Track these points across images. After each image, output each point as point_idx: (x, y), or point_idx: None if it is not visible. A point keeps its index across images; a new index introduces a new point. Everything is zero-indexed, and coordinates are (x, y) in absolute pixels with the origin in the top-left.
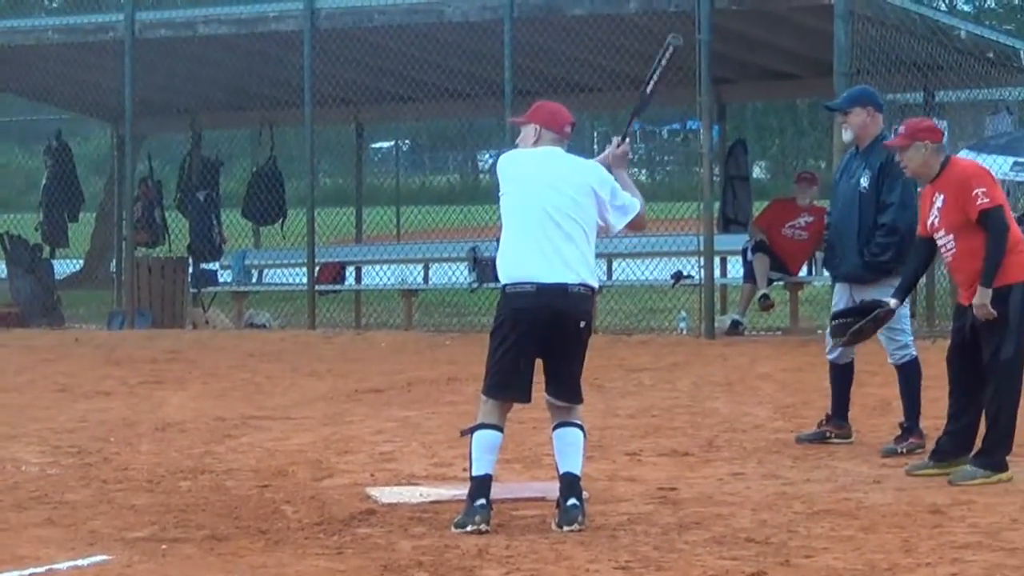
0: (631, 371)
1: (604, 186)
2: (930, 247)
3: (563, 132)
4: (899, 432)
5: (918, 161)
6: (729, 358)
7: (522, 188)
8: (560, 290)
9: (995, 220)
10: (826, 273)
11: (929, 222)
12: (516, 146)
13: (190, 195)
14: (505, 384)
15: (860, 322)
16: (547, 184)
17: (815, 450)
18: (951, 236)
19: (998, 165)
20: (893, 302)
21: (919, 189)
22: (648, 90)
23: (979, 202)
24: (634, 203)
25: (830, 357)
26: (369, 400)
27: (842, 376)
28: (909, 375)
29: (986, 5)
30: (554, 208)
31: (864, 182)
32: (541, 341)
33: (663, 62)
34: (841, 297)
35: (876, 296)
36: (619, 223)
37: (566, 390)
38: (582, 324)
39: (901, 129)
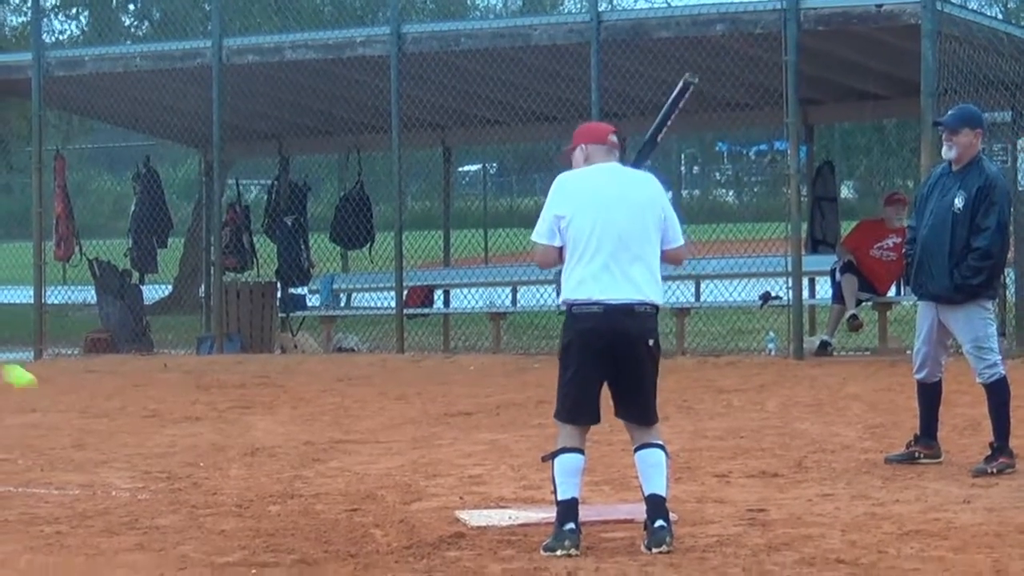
0: (720, 392)
1: (670, 209)
2: None
3: (609, 141)
4: (989, 452)
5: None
6: (818, 379)
7: (586, 208)
8: (626, 310)
9: None
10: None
11: None
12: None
13: (278, 220)
14: (577, 407)
15: None
16: (613, 202)
17: (904, 470)
18: None
19: None
20: None
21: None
22: (660, 135)
23: None
24: (681, 232)
25: (918, 377)
26: (458, 423)
27: (930, 396)
28: (998, 394)
29: None
30: (622, 227)
31: (959, 203)
32: (609, 362)
33: (679, 104)
34: (926, 317)
35: (962, 317)
36: (672, 245)
37: (638, 410)
38: (650, 343)
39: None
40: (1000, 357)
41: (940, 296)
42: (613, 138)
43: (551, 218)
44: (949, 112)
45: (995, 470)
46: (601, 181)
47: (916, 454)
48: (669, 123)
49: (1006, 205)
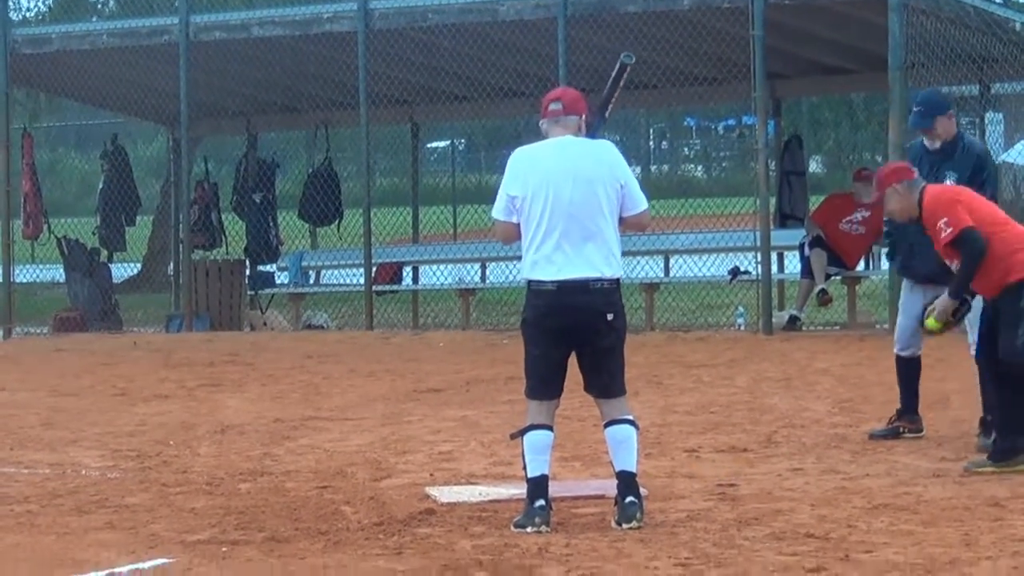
0: (689, 367)
1: (627, 176)
2: None
3: (549, 113)
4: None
5: (897, 205)
6: (787, 354)
7: (537, 186)
8: (581, 287)
9: (962, 245)
10: (884, 267)
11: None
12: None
13: (246, 197)
14: (541, 383)
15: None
16: (562, 179)
17: (874, 445)
18: (954, 263)
19: None
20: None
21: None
22: (606, 112)
23: (943, 235)
24: (643, 197)
25: (903, 353)
26: (427, 400)
27: (909, 370)
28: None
29: None
30: (573, 204)
31: (951, 182)
32: (567, 338)
33: (619, 83)
34: (916, 299)
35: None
36: (633, 212)
37: (601, 383)
38: (610, 317)
39: (874, 183)
40: None
41: (937, 279)
42: (554, 106)
43: (506, 196)
44: (913, 111)
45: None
46: (551, 157)
47: (900, 429)
48: (613, 102)
49: (994, 176)
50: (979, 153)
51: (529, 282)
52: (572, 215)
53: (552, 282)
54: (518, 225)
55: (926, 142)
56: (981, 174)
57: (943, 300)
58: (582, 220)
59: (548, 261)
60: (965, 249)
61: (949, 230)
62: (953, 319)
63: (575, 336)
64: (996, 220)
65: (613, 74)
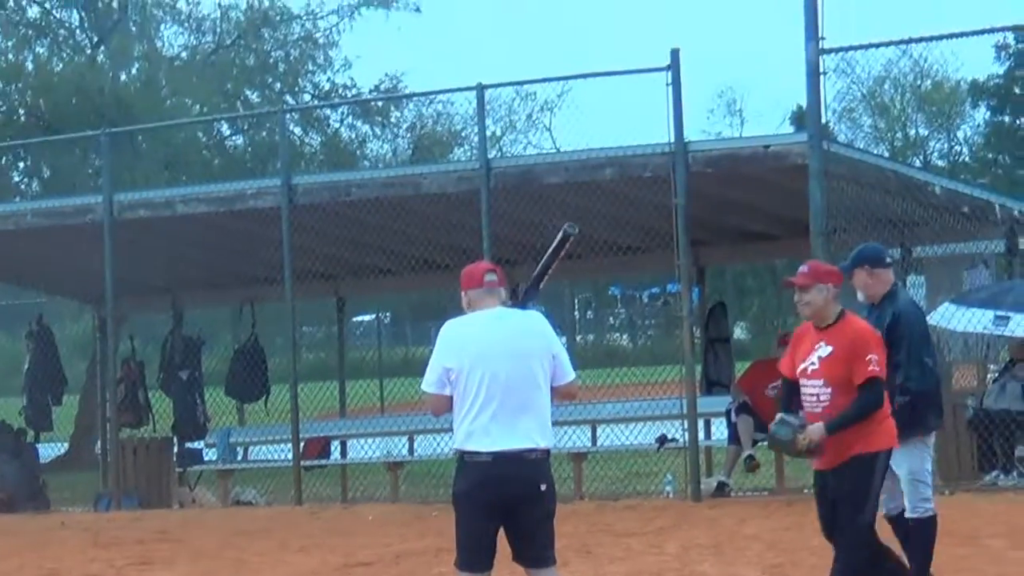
0: (619, 536)
1: (558, 347)
2: (794, 390)
3: (486, 283)
4: None
5: (819, 303)
6: (716, 520)
7: (473, 360)
8: (515, 457)
9: (875, 390)
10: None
11: (803, 367)
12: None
13: (173, 375)
14: (474, 554)
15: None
16: (498, 353)
17: None
18: (829, 389)
19: (977, 319)
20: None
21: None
22: (542, 282)
23: (870, 368)
24: (571, 368)
25: (884, 512)
26: (358, 575)
27: (905, 528)
28: (926, 530)
29: (960, 160)
30: (508, 377)
31: None
32: (501, 509)
33: (560, 253)
34: None
35: (901, 450)
36: (563, 381)
37: (534, 553)
38: (542, 487)
39: (804, 268)
40: (931, 492)
41: None
42: (490, 277)
43: (440, 369)
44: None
45: None
46: (485, 330)
47: None
48: (550, 271)
49: (915, 337)
50: (895, 310)
51: (463, 453)
52: (508, 388)
53: (488, 453)
54: (449, 397)
55: (859, 295)
56: (895, 330)
57: (819, 430)
58: (518, 393)
59: (484, 432)
60: (871, 397)
61: (876, 369)
62: (808, 453)
63: (508, 507)
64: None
65: (554, 244)
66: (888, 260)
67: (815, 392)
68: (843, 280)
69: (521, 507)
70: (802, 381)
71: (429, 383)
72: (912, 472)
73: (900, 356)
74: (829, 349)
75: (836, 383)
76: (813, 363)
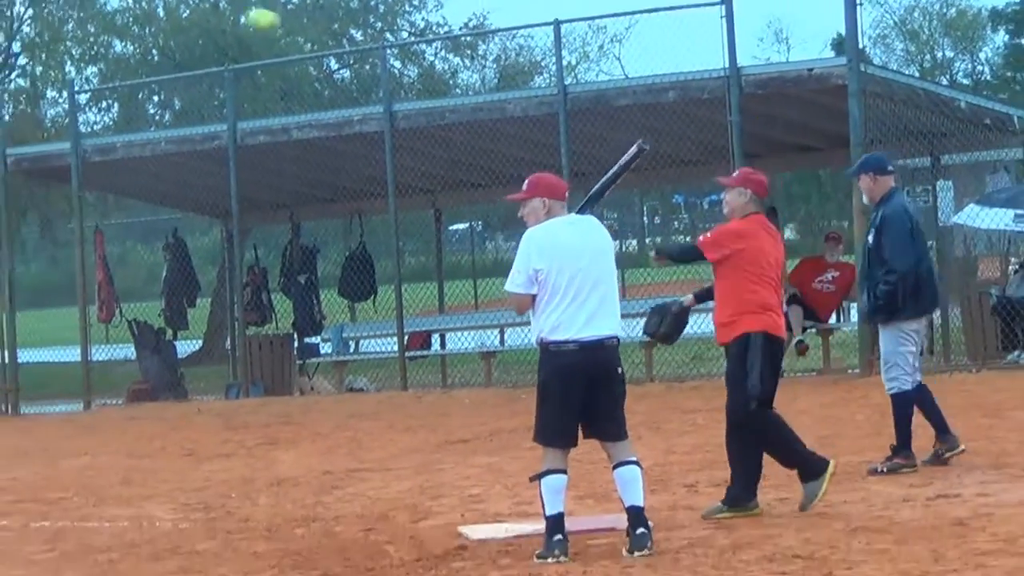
0: (686, 413)
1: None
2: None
3: (565, 199)
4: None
5: (733, 202)
6: None
7: (560, 259)
8: (598, 345)
9: (685, 247)
10: (853, 319)
11: None
12: (522, 219)
13: (292, 279)
14: (560, 433)
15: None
16: (581, 252)
17: (851, 474)
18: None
19: (999, 217)
20: (687, 299)
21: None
22: (608, 190)
23: (701, 238)
24: None
25: (906, 388)
26: (457, 450)
27: (922, 399)
28: (899, 405)
29: (982, 78)
30: (590, 273)
31: (870, 238)
32: (584, 391)
33: (630, 165)
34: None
35: (882, 335)
36: None
37: (612, 428)
38: (619, 370)
39: (736, 173)
40: (903, 372)
41: (870, 320)
42: (567, 194)
43: (530, 270)
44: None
45: (885, 469)
46: (568, 234)
47: (940, 453)
48: (618, 182)
49: (900, 235)
50: (884, 211)
51: (550, 343)
52: (591, 283)
53: (574, 342)
54: (534, 296)
55: (862, 198)
56: (882, 228)
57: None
58: (598, 287)
59: (570, 324)
60: (679, 251)
61: (703, 238)
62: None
63: (591, 389)
64: (762, 275)
65: (627, 157)
66: (890, 168)
67: None
68: (763, 195)
69: (601, 389)
70: None
71: (517, 284)
72: (886, 356)
73: (885, 250)
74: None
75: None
76: None
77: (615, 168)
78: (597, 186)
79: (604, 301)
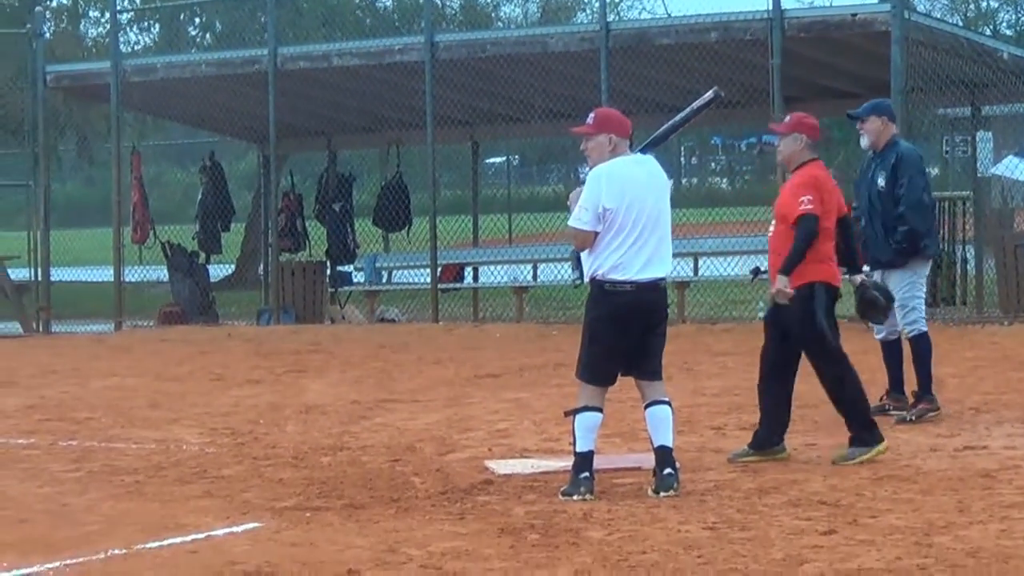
0: (716, 355)
1: None
2: None
3: (631, 137)
4: (912, 399)
5: (787, 150)
6: None
7: (630, 198)
8: (653, 286)
9: (804, 224)
10: None
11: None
12: (583, 153)
13: (327, 206)
14: (605, 371)
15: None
16: (646, 191)
17: (878, 422)
18: (773, 223)
19: None
20: (858, 278)
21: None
22: (675, 133)
23: (802, 207)
24: None
25: (878, 337)
26: (486, 384)
27: (891, 353)
28: (919, 347)
29: None
30: (653, 213)
31: (881, 181)
32: (636, 331)
33: (702, 111)
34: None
35: (896, 278)
36: None
37: (653, 367)
38: (667, 310)
39: (787, 118)
40: (922, 314)
41: (880, 262)
42: (628, 131)
43: (599, 207)
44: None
45: (913, 417)
46: (638, 172)
47: (886, 407)
48: (686, 126)
49: (917, 175)
50: (899, 152)
51: (606, 282)
52: (654, 224)
53: (631, 283)
54: (597, 233)
55: (861, 141)
56: (898, 175)
57: (782, 281)
58: (660, 228)
59: (630, 264)
60: (800, 231)
61: (805, 207)
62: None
63: (642, 329)
64: (824, 226)
65: (700, 102)
66: (895, 117)
67: (773, 228)
68: (815, 138)
69: (650, 329)
70: None
71: (584, 221)
72: (903, 300)
73: (901, 192)
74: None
75: (778, 218)
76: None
77: (685, 112)
78: (663, 128)
79: (661, 242)
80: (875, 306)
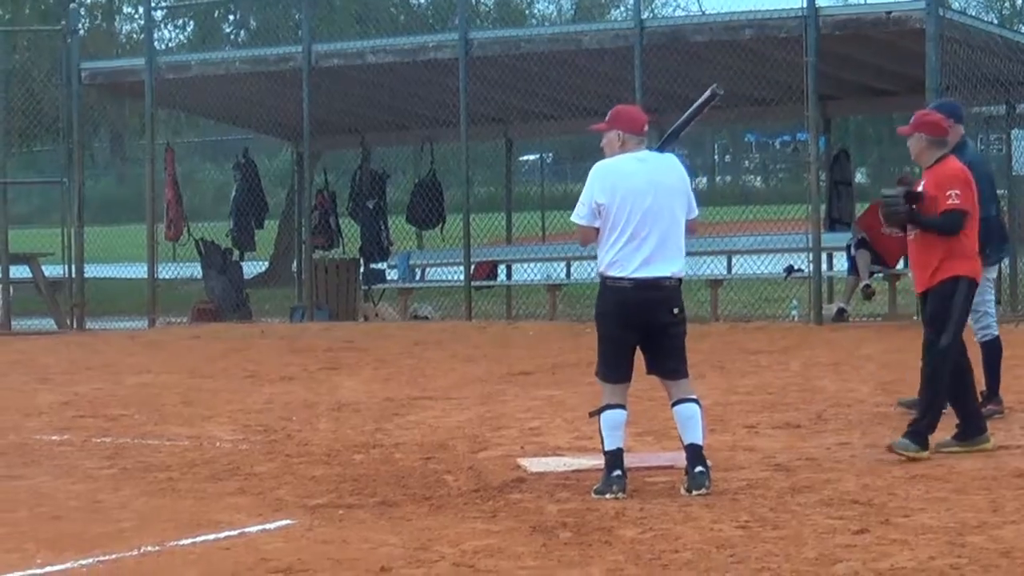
0: (749, 354)
1: (689, 187)
2: None
3: (643, 133)
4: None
5: (916, 149)
6: (835, 341)
7: (624, 195)
8: (653, 284)
9: (951, 218)
10: None
11: None
12: (602, 150)
13: (361, 204)
14: (616, 367)
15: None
16: (646, 189)
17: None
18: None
19: None
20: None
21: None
22: (683, 131)
23: (950, 202)
24: (695, 204)
25: (996, 334)
26: (519, 382)
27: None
28: (990, 351)
29: None
30: (653, 211)
31: None
32: (638, 328)
33: (704, 109)
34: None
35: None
36: (690, 217)
37: (669, 365)
38: (675, 311)
39: (913, 119)
40: (994, 319)
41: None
42: (645, 129)
43: (592, 203)
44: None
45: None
46: (635, 170)
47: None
48: (692, 123)
49: (988, 181)
50: (967, 162)
51: (606, 278)
52: (652, 221)
53: (629, 279)
54: (597, 229)
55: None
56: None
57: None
58: (659, 226)
59: (627, 261)
60: (946, 221)
61: (953, 202)
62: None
63: (645, 327)
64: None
65: (701, 100)
66: (962, 117)
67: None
68: (945, 135)
69: (656, 328)
70: None
71: (581, 216)
72: (975, 304)
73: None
74: (921, 185)
75: (923, 214)
76: None
77: (689, 111)
78: (674, 126)
79: (665, 241)
80: (896, 214)
